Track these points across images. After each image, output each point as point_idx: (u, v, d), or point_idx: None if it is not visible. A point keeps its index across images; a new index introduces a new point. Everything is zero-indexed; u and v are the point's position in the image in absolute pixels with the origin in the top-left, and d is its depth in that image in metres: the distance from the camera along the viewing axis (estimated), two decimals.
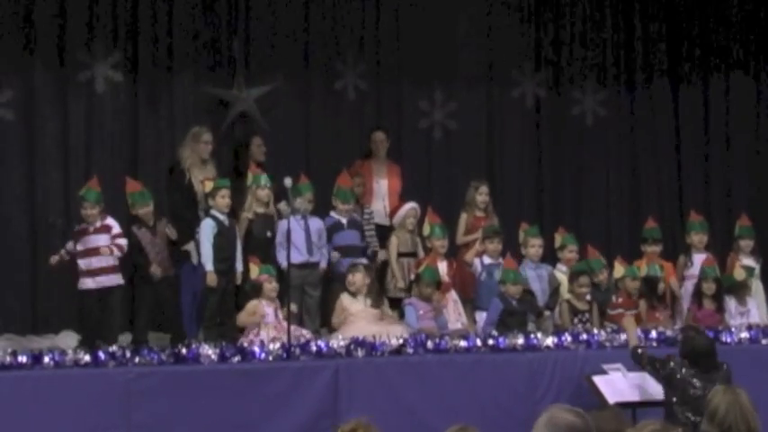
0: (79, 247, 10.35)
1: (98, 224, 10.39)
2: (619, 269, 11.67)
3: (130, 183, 10.87)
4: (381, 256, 11.78)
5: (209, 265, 10.63)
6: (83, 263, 10.34)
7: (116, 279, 10.42)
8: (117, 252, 10.41)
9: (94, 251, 10.31)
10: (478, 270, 11.65)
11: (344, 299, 10.77)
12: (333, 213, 11.51)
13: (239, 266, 10.81)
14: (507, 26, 13.97)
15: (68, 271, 10.59)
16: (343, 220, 11.46)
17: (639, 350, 9.46)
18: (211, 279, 10.62)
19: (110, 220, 10.50)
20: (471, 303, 11.63)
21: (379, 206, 12.29)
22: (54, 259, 10.46)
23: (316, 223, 11.25)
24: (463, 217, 12.14)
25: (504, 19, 13.94)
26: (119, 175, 11.78)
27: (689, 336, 9.39)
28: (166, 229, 10.70)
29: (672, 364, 8.92)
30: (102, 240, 10.37)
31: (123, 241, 10.45)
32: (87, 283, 10.35)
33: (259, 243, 11.04)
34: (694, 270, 11.91)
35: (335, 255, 11.34)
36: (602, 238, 13.43)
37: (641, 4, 14.57)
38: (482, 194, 12.13)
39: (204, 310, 10.75)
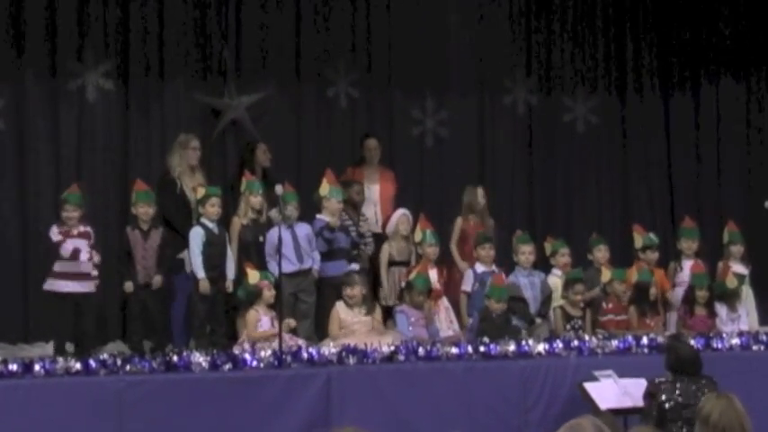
0: (63, 249, 10.31)
1: (81, 228, 10.39)
2: (606, 273, 11.68)
3: (139, 183, 10.86)
4: (354, 266, 11.45)
5: (200, 273, 10.62)
6: (59, 265, 10.31)
7: (89, 286, 10.38)
8: (95, 259, 10.41)
9: (74, 255, 10.29)
10: (471, 280, 11.63)
11: (340, 309, 10.75)
12: (320, 216, 11.39)
13: (230, 274, 10.80)
14: (498, 34, 13.98)
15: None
16: (331, 220, 11.40)
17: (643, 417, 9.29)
18: (204, 287, 10.60)
19: (89, 228, 10.50)
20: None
21: (370, 212, 12.27)
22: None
23: (303, 229, 11.19)
24: (458, 221, 12.11)
25: (495, 26, 13.96)
26: (110, 183, 11.79)
27: (673, 346, 9.37)
28: (154, 280, 10.64)
29: (658, 389, 8.82)
30: (80, 245, 10.35)
31: (97, 257, 10.46)
32: (59, 286, 10.31)
33: (250, 249, 11.02)
34: (684, 276, 11.94)
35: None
36: (590, 244, 13.39)
37: (632, 12, 14.59)
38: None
39: (193, 318, 10.74)
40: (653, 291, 11.79)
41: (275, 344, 9.76)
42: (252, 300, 10.43)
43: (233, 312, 10.85)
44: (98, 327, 10.63)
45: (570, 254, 12.08)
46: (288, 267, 10.79)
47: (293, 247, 11.01)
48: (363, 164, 12.64)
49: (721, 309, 11.69)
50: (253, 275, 10.52)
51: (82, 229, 10.42)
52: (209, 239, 10.67)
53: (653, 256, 12.14)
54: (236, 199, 11.31)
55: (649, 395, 8.92)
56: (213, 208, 10.75)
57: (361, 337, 10.33)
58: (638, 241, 12.23)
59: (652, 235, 12.39)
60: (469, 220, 12.13)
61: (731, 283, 11.79)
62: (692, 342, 10.52)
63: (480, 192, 12.24)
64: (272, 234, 10.82)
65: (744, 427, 5.52)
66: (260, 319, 10.32)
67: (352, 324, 10.65)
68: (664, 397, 8.74)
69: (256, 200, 11.15)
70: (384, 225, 12.19)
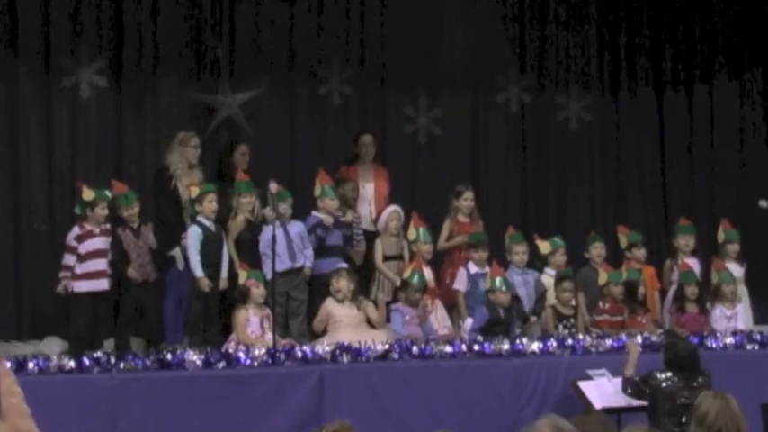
0: (82, 250, 10.32)
1: (103, 227, 10.40)
2: (603, 275, 11.67)
3: (116, 185, 10.83)
4: (343, 264, 11.33)
5: (198, 272, 10.56)
6: (82, 266, 10.31)
7: (105, 284, 10.40)
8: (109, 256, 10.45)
9: (95, 254, 10.30)
10: (464, 279, 11.60)
11: (329, 304, 10.75)
12: (316, 213, 11.40)
13: (224, 272, 10.77)
14: (492, 31, 13.97)
15: (53, 277, 10.57)
16: (329, 220, 11.41)
17: (629, 387, 9.36)
18: (204, 284, 10.54)
19: (108, 225, 10.52)
20: (456, 309, 11.60)
21: (365, 211, 12.24)
22: (61, 288, 10.37)
23: (295, 227, 11.18)
24: (447, 223, 12.09)
25: (488, 24, 13.95)
26: (103, 180, 11.75)
27: (671, 342, 9.38)
28: (150, 237, 10.66)
29: (655, 378, 8.89)
30: (104, 244, 10.36)
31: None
32: (83, 286, 10.31)
33: (246, 247, 11.02)
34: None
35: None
36: (586, 242, 13.40)
37: (625, 10, 14.60)
38: (467, 200, 12.08)
39: (188, 316, 10.72)
40: (641, 289, 11.79)
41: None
42: (242, 299, 10.43)
43: (227, 309, 10.85)
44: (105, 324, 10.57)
45: (565, 251, 12.07)
46: (281, 266, 10.80)
47: (286, 245, 11.00)
48: (357, 162, 12.60)
49: (715, 307, 11.69)
50: (241, 275, 10.53)
51: (103, 227, 10.42)
52: (206, 237, 10.64)
53: (639, 253, 12.13)
54: (227, 199, 11.26)
55: (644, 381, 8.96)
56: (211, 204, 10.70)
57: (351, 331, 10.33)
58: (623, 241, 12.25)
59: (635, 232, 12.40)
60: (458, 219, 12.06)
61: (713, 278, 11.83)
62: None
63: (469, 195, 12.14)
64: (266, 233, 10.81)
65: (739, 428, 5.53)
66: (249, 319, 10.32)
67: (342, 318, 10.63)
68: (661, 389, 8.77)
69: (245, 200, 11.13)
70: (377, 221, 12.18)
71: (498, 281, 10.98)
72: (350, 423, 6.02)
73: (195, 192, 10.80)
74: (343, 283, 10.72)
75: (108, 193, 10.57)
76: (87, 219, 10.42)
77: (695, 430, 5.63)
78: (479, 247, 11.58)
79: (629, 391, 9.33)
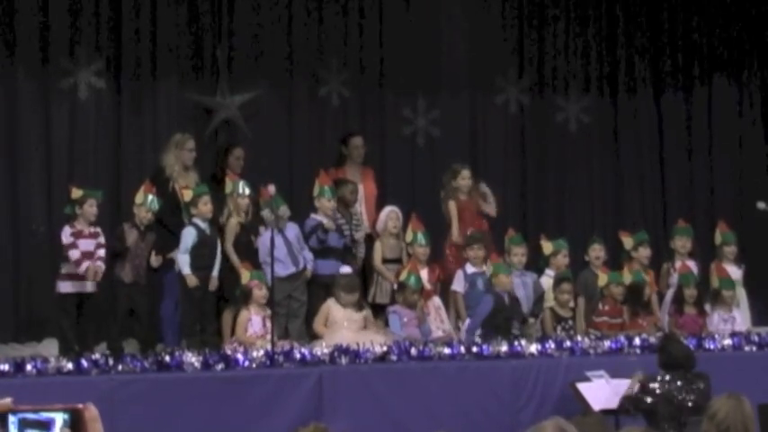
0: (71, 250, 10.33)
1: (92, 229, 10.39)
2: (603, 277, 11.66)
3: (147, 186, 10.84)
4: (347, 268, 11.39)
5: (186, 269, 10.57)
6: (68, 266, 10.29)
7: (91, 285, 10.37)
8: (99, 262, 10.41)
9: (83, 255, 10.28)
10: (462, 281, 11.58)
11: (331, 305, 10.74)
12: (314, 215, 11.41)
13: (215, 272, 10.74)
14: (491, 33, 13.97)
15: (51, 279, 10.56)
16: (326, 222, 11.39)
17: (629, 405, 9.32)
18: (191, 280, 10.57)
19: (98, 229, 10.50)
20: (455, 310, 11.60)
21: (356, 212, 12.23)
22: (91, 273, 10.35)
23: (292, 230, 11.18)
24: (450, 204, 12.03)
25: (487, 26, 13.95)
26: (101, 182, 11.76)
27: (665, 344, 9.39)
28: (152, 258, 10.64)
29: (653, 383, 8.88)
30: (92, 246, 10.35)
31: (102, 252, 10.43)
32: (67, 287, 10.29)
33: (242, 249, 11.01)
34: (676, 277, 11.96)
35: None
36: (586, 244, 13.41)
37: (624, 11, 14.60)
38: (464, 179, 12.06)
39: (184, 317, 10.71)
40: (647, 291, 11.79)
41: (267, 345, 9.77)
42: (244, 300, 10.44)
43: (222, 305, 10.85)
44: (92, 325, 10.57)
45: (568, 253, 12.07)
46: (284, 271, 10.81)
47: (286, 250, 10.99)
48: (345, 163, 12.59)
49: (714, 311, 11.68)
50: (244, 275, 10.53)
51: (93, 229, 10.41)
52: (201, 239, 10.65)
53: (645, 252, 12.11)
54: (222, 201, 11.27)
55: (642, 389, 8.97)
56: (206, 206, 10.72)
57: (353, 335, 10.32)
58: (628, 243, 12.20)
59: (640, 233, 12.40)
60: (459, 198, 12.02)
61: (714, 282, 11.82)
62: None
63: (466, 173, 12.13)
64: (264, 239, 10.80)
65: (747, 429, 5.59)
66: (250, 319, 10.34)
67: (342, 320, 10.63)
68: (656, 392, 8.77)
69: (243, 201, 11.13)
70: (372, 224, 12.16)
71: (500, 266, 11.06)
72: (324, 425, 6.03)
73: (189, 195, 10.82)
74: (356, 297, 10.74)
75: (99, 191, 10.55)
76: (77, 218, 10.40)
77: (705, 426, 5.72)
78: (473, 246, 11.55)
79: (632, 407, 9.25)
